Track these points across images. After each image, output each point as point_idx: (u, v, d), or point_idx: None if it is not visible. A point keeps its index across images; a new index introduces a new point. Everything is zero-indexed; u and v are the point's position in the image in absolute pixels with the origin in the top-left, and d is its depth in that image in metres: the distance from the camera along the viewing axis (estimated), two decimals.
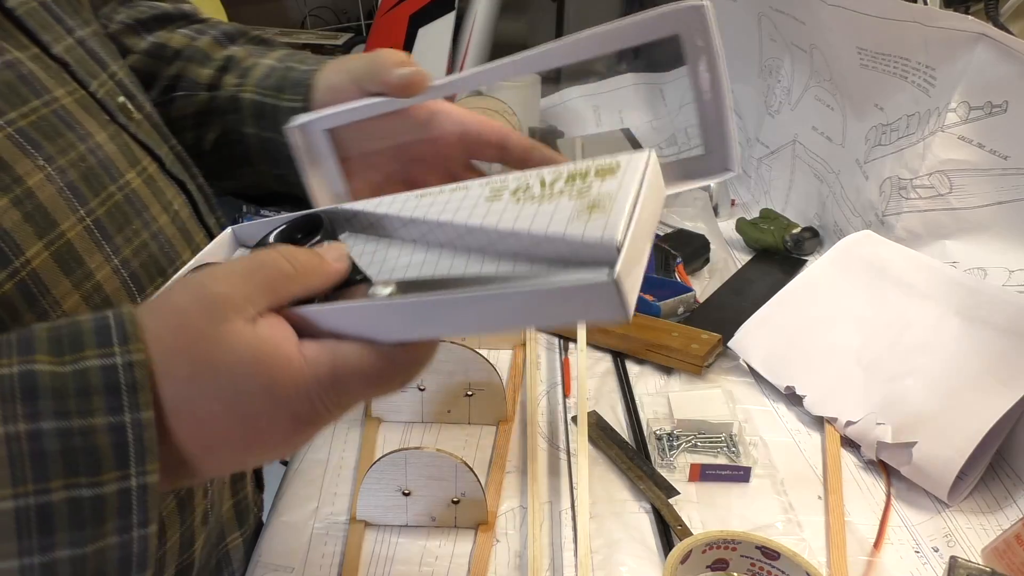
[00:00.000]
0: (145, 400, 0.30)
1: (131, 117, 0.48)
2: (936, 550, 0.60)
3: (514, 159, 0.50)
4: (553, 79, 1.53)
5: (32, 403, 0.29)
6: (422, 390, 0.70)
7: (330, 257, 0.35)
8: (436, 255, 0.37)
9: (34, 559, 0.29)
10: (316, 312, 0.34)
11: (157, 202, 0.46)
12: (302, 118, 0.49)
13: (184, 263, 0.45)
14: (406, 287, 0.34)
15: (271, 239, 0.38)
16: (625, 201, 0.32)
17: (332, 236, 0.39)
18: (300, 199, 0.58)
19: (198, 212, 0.50)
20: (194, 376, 0.31)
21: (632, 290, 0.30)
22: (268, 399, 0.31)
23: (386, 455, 0.57)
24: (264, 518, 0.64)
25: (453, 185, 0.38)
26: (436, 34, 1.37)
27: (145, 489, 0.30)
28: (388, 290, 0.34)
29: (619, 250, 0.30)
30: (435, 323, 0.33)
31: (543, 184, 0.36)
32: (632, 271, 0.31)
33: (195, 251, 0.48)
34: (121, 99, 0.48)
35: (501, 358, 0.81)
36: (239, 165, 0.60)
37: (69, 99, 0.44)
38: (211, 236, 0.50)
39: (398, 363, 0.33)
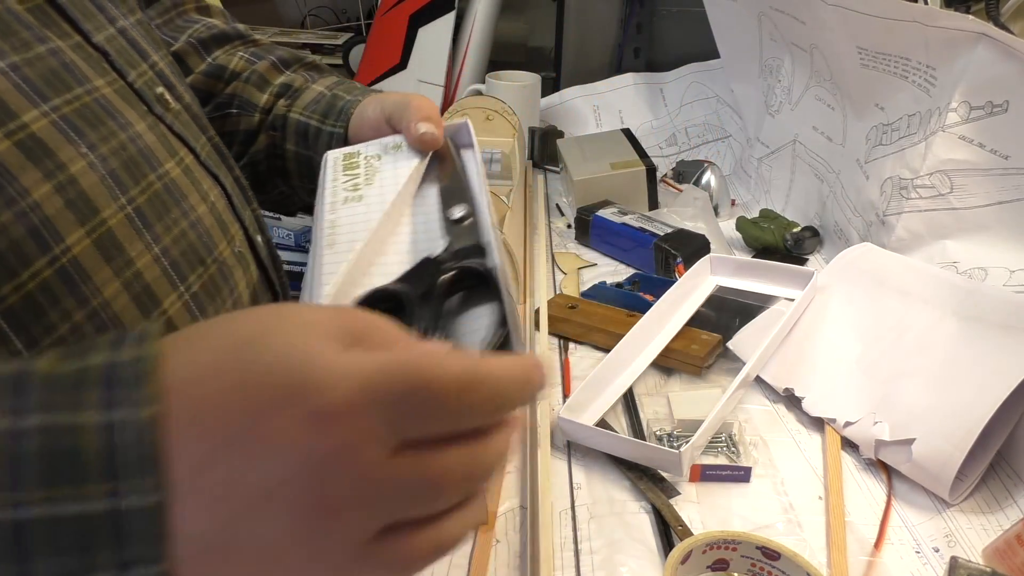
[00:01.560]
0: (149, 394, 0.24)
1: (168, 108, 0.48)
2: (936, 550, 0.60)
3: None
4: (553, 79, 1.53)
5: (20, 397, 0.24)
6: None
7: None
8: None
9: None
10: None
11: (195, 191, 0.47)
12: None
13: (221, 253, 0.47)
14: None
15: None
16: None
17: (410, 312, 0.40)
18: None
19: (232, 205, 0.52)
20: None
21: None
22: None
23: None
24: None
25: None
26: (436, 34, 1.37)
27: (144, 514, 0.23)
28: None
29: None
30: None
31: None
32: None
33: (230, 242, 0.49)
34: (159, 89, 0.48)
35: None
36: (273, 178, 0.66)
37: (108, 89, 0.44)
38: (245, 229, 0.52)
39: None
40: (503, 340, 0.38)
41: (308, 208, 0.68)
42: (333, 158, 0.56)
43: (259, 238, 0.54)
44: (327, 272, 0.43)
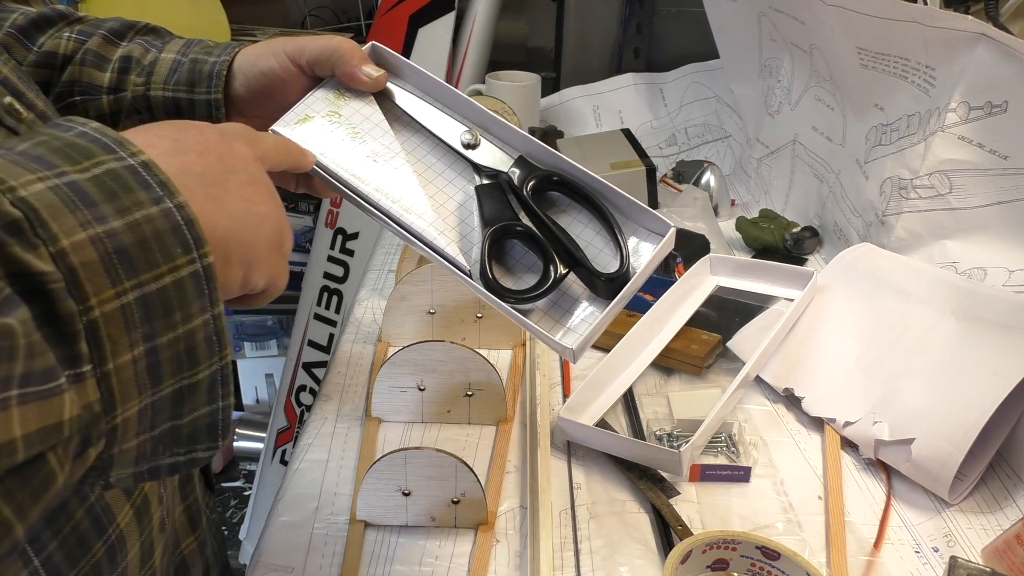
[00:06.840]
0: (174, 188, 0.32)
1: (20, 119, 0.42)
2: (936, 550, 0.60)
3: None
4: (553, 79, 1.53)
5: (93, 207, 0.30)
6: (422, 390, 0.70)
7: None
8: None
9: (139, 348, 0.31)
10: None
11: None
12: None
13: None
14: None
15: None
16: None
17: None
18: None
19: None
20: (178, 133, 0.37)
21: None
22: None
23: (386, 455, 0.57)
24: (247, 518, 0.64)
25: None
26: (436, 34, 1.37)
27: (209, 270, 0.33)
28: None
29: None
30: None
31: None
32: None
33: None
34: (7, 99, 0.42)
35: (501, 358, 0.81)
36: None
37: None
38: None
39: None
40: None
41: None
42: (288, 132, 0.54)
43: None
44: (420, 228, 0.51)
